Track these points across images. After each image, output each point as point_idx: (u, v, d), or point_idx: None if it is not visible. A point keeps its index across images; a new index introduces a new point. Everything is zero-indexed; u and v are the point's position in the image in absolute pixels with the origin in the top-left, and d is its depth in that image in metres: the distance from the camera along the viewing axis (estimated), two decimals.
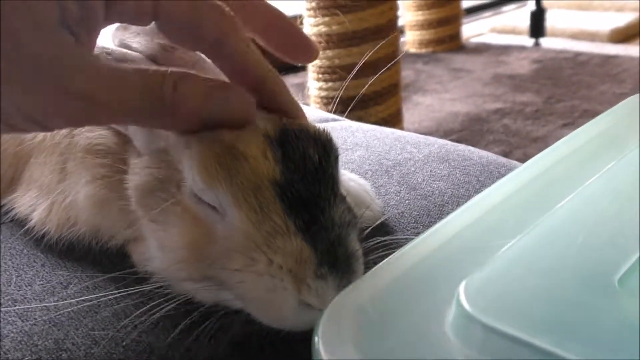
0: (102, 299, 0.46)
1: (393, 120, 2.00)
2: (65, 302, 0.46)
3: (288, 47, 0.49)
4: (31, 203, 0.56)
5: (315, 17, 1.86)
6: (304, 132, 0.44)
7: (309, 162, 0.43)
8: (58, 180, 0.54)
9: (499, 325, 0.29)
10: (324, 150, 0.44)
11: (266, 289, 0.40)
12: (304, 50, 0.50)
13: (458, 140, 0.79)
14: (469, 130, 2.62)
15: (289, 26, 0.49)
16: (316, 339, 0.31)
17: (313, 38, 1.90)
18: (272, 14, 0.49)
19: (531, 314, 0.30)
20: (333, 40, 1.85)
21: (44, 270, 0.51)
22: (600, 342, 0.27)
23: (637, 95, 0.62)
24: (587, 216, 0.38)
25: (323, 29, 1.86)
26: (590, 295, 0.30)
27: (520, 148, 2.44)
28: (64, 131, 0.53)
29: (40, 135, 0.56)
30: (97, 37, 0.42)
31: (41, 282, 0.49)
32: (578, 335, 0.28)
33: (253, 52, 0.44)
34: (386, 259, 0.38)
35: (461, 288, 0.31)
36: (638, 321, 0.28)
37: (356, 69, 0.68)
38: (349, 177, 0.60)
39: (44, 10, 0.37)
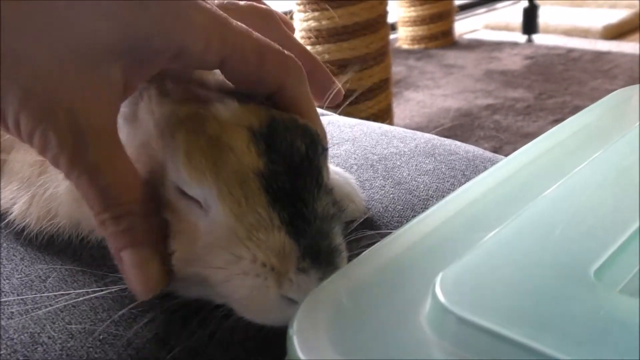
0: (80, 292, 0.45)
1: (383, 115, 2.00)
2: (43, 295, 0.45)
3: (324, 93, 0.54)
4: (12, 196, 0.56)
5: (305, 12, 1.85)
6: (293, 123, 0.44)
7: (295, 154, 0.42)
8: (39, 172, 0.53)
9: (473, 318, 0.28)
10: (311, 141, 0.44)
11: (250, 287, 0.39)
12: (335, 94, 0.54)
13: (448, 136, 0.79)
14: (459, 126, 2.62)
15: (323, 70, 0.53)
16: (291, 332, 0.31)
17: (303, 33, 1.90)
18: (310, 57, 0.52)
19: (506, 307, 0.29)
20: (323, 35, 1.85)
21: (22, 264, 0.50)
22: (575, 334, 0.27)
23: (624, 89, 0.62)
24: (565, 209, 0.38)
25: (313, 23, 1.85)
26: (566, 287, 0.30)
27: (511, 144, 2.44)
28: None
29: None
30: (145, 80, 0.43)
31: (19, 275, 0.49)
32: (553, 327, 0.28)
33: (308, 100, 0.47)
34: (364, 252, 0.37)
35: (437, 280, 0.31)
36: (613, 313, 0.28)
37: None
38: (334, 171, 0.60)
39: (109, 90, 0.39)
